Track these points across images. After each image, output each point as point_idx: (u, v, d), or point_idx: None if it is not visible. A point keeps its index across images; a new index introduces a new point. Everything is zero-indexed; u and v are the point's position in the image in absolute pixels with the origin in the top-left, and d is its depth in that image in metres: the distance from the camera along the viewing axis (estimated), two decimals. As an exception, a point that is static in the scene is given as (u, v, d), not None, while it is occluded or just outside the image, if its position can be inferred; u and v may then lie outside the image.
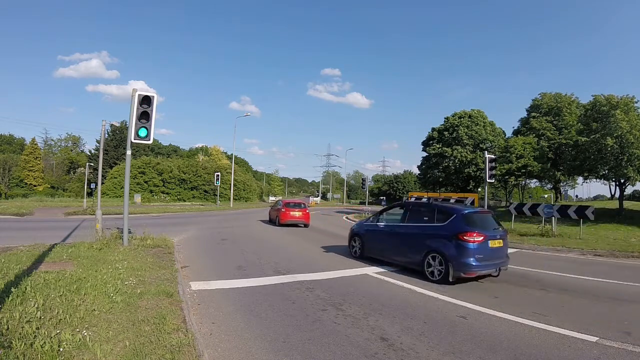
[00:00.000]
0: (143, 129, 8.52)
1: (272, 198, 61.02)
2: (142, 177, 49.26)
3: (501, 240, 7.64)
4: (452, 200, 20.75)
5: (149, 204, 40.21)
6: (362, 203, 60.10)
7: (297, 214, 19.05)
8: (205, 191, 52.29)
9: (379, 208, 22.89)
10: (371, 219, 10.18)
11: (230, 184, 45.16)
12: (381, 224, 9.39)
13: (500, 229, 7.99)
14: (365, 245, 9.71)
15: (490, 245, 7.31)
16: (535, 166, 35.35)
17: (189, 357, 3.26)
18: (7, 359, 2.87)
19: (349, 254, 10.10)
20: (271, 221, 20.89)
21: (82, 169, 56.31)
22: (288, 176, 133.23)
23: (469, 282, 7.31)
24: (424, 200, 10.08)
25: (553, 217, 16.59)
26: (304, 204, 20.71)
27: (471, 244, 7.06)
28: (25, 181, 55.36)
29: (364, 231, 9.91)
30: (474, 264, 7.00)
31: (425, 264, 7.57)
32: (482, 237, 7.16)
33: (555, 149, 36.58)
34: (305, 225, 19.36)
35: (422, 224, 8.18)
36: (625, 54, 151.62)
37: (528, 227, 18.39)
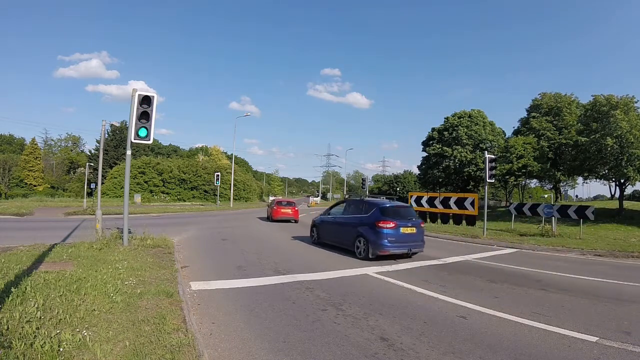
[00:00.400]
0: (143, 129, 8.52)
1: (271, 198, 61.20)
2: (142, 177, 49.25)
3: (414, 228, 9.64)
4: (452, 200, 20.92)
5: (149, 204, 40.20)
6: (362, 203, 59.90)
7: (287, 211, 21.78)
8: (205, 191, 52.28)
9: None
10: (324, 212, 12.48)
11: (230, 184, 45.18)
12: (331, 216, 11.79)
13: (414, 219, 10.07)
14: (319, 233, 12.02)
15: (402, 231, 9.38)
16: (535, 166, 35.36)
17: (189, 357, 3.26)
18: (7, 359, 2.87)
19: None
20: (268, 218, 22.93)
21: (82, 169, 56.31)
22: (288, 176, 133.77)
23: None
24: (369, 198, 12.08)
25: (553, 217, 16.59)
26: (293, 202, 23.65)
27: (384, 229, 9.19)
28: (25, 181, 55.36)
29: (319, 222, 12.17)
30: (387, 244, 9.17)
31: (355, 245, 9.80)
32: (393, 224, 9.28)
33: (555, 149, 36.58)
34: (295, 221, 21.70)
35: (355, 215, 10.42)
36: (625, 54, 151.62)
37: (528, 227, 18.40)
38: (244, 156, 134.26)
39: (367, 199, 10.92)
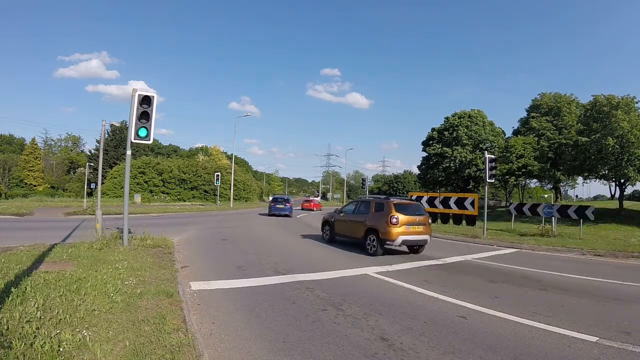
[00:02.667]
0: (143, 129, 8.51)
1: (271, 198, 61.30)
2: (142, 177, 49.22)
3: (284, 205, 26.91)
4: (452, 200, 20.98)
5: (149, 204, 40.18)
6: (362, 203, 59.85)
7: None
8: (205, 191, 52.25)
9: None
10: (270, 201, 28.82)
11: (230, 184, 45.15)
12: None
13: (287, 202, 27.32)
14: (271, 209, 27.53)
15: (278, 206, 27.04)
16: (535, 166, 35.35)
17: (189, 357, 3.25)
18: (7, 359, 2.87)
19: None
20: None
21: (82, 169, 56.27)
22: (288, 176, 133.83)
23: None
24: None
25: (553, 217, 16.59)
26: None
27: (272, 205, 27.61)
28: (25, 181, 55.32)
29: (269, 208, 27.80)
30: (272, 211, 26.86)
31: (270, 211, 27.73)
32: (274, 203, 27.64)
33: (555, 149, 36.58)
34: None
35: (270, 201, 30.13)
36: (625, 54, 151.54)
37: (528, 227, 18.39)
38: (244, 156, 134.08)
39: (275, 195, 29.31)
